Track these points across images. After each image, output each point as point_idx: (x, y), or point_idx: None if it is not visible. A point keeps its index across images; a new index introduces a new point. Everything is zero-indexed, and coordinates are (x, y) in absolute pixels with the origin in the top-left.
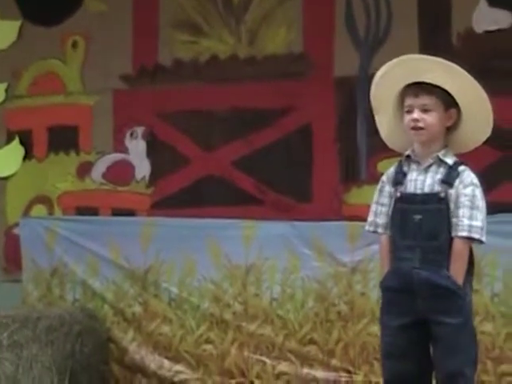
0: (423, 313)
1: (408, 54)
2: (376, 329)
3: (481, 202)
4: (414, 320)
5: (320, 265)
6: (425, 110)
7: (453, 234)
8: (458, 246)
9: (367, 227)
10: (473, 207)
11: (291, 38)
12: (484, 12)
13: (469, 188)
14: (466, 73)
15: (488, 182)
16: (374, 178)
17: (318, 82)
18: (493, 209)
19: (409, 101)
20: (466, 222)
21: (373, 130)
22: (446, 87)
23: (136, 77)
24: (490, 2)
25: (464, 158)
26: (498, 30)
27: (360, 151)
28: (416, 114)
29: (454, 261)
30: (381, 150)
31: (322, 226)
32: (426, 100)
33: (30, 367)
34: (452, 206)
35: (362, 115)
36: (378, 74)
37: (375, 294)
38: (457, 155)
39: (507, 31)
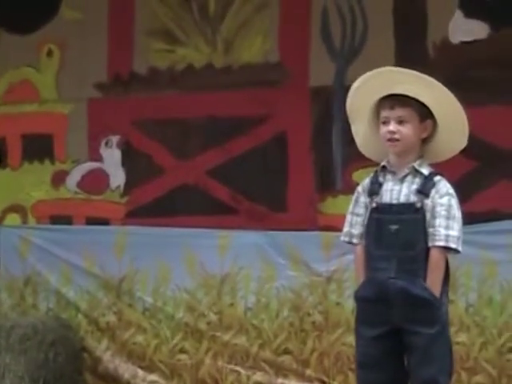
0: (398, 323)
1: (384, 66)
2: (351, 339)
3: (457, 212)
4: (389, 330)
5: (295, 274)
6: (400, 122)
7: (430, 244)
8: (435, 256)
9: (342, 237)
10: (449, 217)
11: (267, 48)
12: (460, 23)
13: (445, 198)
14: (441, 84)
15: (463, 192)
16: (350, 188)
17: (293, 91)
18: (468, 219)
19: (385, 113)
20: (442, 231)
21: (348, 140)
22: (422, 99)
23: (111, 85)
24: (466, 13)
25: (439, 168)
26: (474, 41)
27: (335, 161)
28: (392, 126)
29: (431, 271)
30: (356, 159)
31: (298, 235)
32: (401, 112)
33: (2, 376)
34: (428, 215)
35: (337, 125)
36: (354, 85)
37: (350, 304)
38: (432, 165)
39: (483, 42)
